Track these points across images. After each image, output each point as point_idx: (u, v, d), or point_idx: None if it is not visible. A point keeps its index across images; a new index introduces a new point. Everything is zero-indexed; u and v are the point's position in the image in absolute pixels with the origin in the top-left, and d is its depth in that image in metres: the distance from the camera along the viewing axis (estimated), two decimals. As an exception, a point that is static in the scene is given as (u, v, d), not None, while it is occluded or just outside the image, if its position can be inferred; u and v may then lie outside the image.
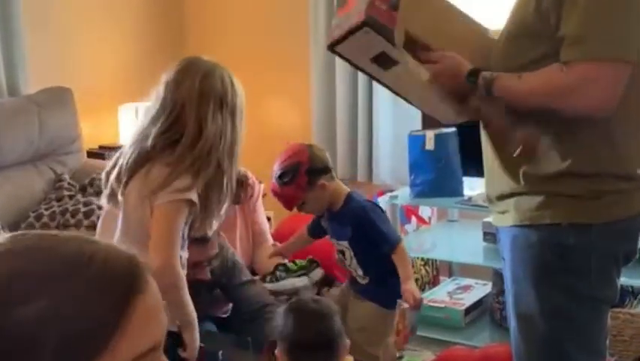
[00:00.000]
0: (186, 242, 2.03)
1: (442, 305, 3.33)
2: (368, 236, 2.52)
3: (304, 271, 2.95)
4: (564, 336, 1.72)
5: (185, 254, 2.04)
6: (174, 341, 1.89)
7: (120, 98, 4.26)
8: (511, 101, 1.66)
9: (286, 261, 2.96)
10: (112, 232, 2.05)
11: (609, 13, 1.54)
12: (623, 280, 1.89)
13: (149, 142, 1.96)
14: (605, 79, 1.55)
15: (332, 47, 1.68)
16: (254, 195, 3.01)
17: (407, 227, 3.53)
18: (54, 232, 0.82)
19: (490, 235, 3.17)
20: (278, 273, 2.89)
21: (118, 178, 2.00)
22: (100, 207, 3.52)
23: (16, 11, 3.70)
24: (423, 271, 3.60)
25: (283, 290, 2.84)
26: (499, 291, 3.23)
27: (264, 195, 3.13)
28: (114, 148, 4.09)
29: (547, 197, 1.68)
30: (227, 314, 2.68)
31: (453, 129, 3.16)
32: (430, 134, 3.22)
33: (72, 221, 3.50)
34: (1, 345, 0.70)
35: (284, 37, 4.32)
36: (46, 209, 3.56)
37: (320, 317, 1.99)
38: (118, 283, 0.75)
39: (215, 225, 2.04)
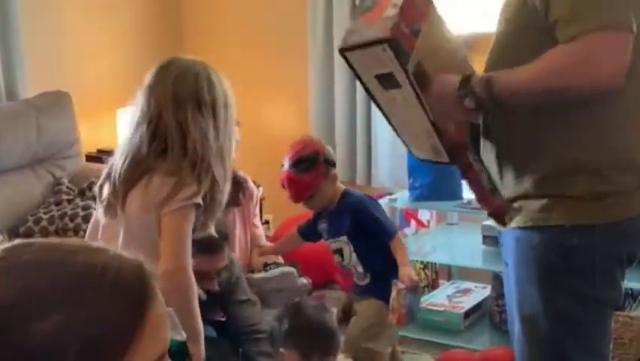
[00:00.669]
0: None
1: (442, 309, 3.32)
2: (366, 227, 2.60)
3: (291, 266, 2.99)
4: (567, 338, 1.72)
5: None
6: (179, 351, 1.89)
7: (118, 101, 4.25)
8: (514, 94, 1.59)
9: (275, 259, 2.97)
10: (105, 242, 2.03)
11: None
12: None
13: (141, 151, 1.93)
14: (610, 46, 1.50)
15: (343, 51, 1.64)
16: (253, 197, 3.00)
17: (406, 230, 3.53)
18: (55, 240, 0.82)
19: (490, 238, 3.17)
20: (268, 268, 2.91)
21: (114, 191, 1.96)
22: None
23: (14, 15, 3.69)
24: (422, 275, 3.60)
25: (272, 276, 2.86)
26: (498, 294, 3.22)
27: (262, 199, 3.13)
28: (112, 152, 4.11)
29: (550, 199, 1.67)
30: (224, 318, 2.67)
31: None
32: (428, 137, 3.22)
33: (71, 225, 3.49)
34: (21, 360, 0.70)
35: (282, 41, 4.32)
36: (45, 213, 3.56)
37: (318, 309, 2.12)
38: (132, 292, 0.76)
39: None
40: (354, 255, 2.64)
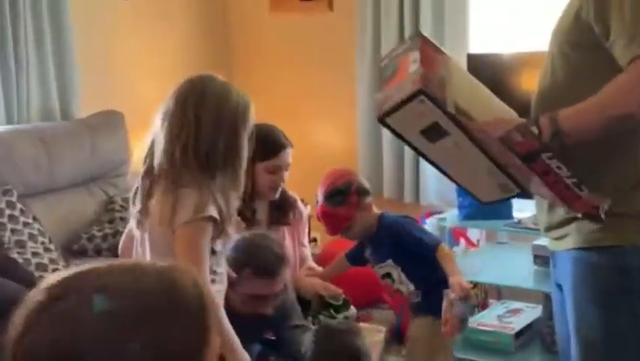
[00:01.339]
0: (221, 255, 2.03)
1: (492, 329, 3.28)
2: (407, 246, 2.60)
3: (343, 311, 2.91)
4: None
5: (220, 268, 2.03)
6: None
7: (170, 121, 4.33)
8: (582, 126, 1.59)
9: (326, 297, 2.90)
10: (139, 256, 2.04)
11: None
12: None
13: (156, 162, 1.98)
14: None
15: (383, 118, 1.64)
16: (302, 217, 3.01)
17: (455, 249, 3.51)
18: (116, 264, 0.90)
19: (541, 258, 3.12)
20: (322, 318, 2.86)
21: (139, 202, 2.01)
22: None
23: (68, 37, 3.79)
24: (471, 294, 3.56)
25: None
26: (549, 315, 3.17)
27: (310, 217, 3.14)
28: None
29: (609, 218, 1.65)
30: (274, 338, 2.67)
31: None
32: (478, 156, 3.20)
33: (123, 243, 3.54)
34: None
35: (330, 58, 4.34)
36: (99, 230, 3.62)
37: (343, 332, 2.13)
38: (200, 308, 0.87)
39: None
40: (403, 276, 2.64)
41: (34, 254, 3.24)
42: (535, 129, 1.59)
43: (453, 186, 3.33)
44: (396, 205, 4.03)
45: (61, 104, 3.82)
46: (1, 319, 0.91)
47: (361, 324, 3.50)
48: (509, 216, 3.19)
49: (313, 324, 2.66)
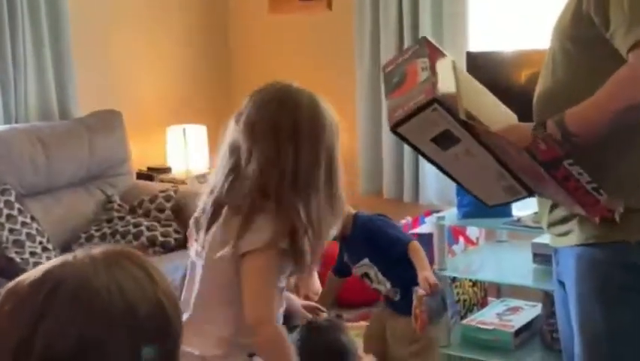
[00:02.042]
0: (282, 293, 1.87)
1: (491, 327, 3.28)
2: (382, 244, 2.63)
3: None
4: (630, 358, 1.69)
5: (281, 309, 1.87)
6: None
7: (168, 120, 4.33)
8: (589, 124, 1.58)
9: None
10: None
11: None
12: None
13: (221, 186, 1.80)
14: None
15: (395, 128, 1.63)
16: None
17: (455, 248, 3.50)
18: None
19: (540, 256, 3.12)
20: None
21: (198, 226, 1.83)
22: (150, 229, 3.58)
23: (66, 36, 3.78)
24: (471, 292, 3.56)
25: None
26: (549, 313, 3.17)
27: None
28: (162, 170, 4.17)
29: (610, 197, 1.64)
30: None
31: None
32: (477, 154, 3.19)
33: (122, 242, 3.53)
34: None
35: (329, 58, 4.34)
36: (97, 230, 3.62)
37: (328, 330, 2.09)
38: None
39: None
40: (380, 275, 2.67)
41: (32, 254, 3.23)
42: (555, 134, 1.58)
43: (452, 185, 3.32)
44: (395, 205, 4.02)
45: (59, 104, 3.82)
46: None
47: (362, 323, 3.51)
48: (509, 214, 3.18)
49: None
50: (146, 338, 0.88)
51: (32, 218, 3.37)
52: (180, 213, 3.69)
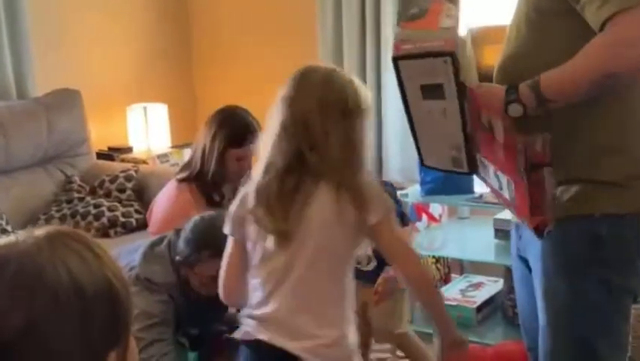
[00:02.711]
0: None
1: (455, 303, 3.31)
2: None
3: None
4: (596, 332, 1.70)
5: None
6: None
7: (128, 98, 4.27)
8: (565, 91, 1.57)
9: None
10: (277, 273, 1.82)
11: None
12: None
13: (292, 163, 1.77)
14: None
15: (397, 59, 1.59)
16: None
17: (418, 225, 3.52)
18: None
19: (502, 232, 3.15)
20: None
21: (272, 213, 1.78)
22: (111, 209, 3.54)
23: (23, 14, 3.70)
24: (434, 269, 3.59)
25: None
26: (510, 288, 3.21)
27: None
28: (124, 149, 4.12)
29: (580, 185, 1.65)
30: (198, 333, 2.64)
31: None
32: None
33: (82, 223, 3.50)
34: None
35: (293, 42, 4.30)
36: (57, 211, 3.57)
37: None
38: None
39: None
40: None
41: (-9, 236, 3.18)
42: (517, 110, 1.56)
43: (415, 163, 3.34)
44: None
45: (16, 83, 3.74)
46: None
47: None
48: (470, 191, 3.21)
49: None
50: (95, 315, 0.87)
51: (-10, 200, 3.31)
52: (142, 193, 3.65)
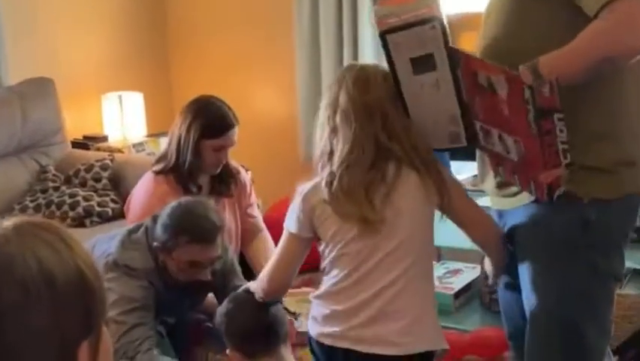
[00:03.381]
0: None
1: (432, 290, 3.32)
2: None
3: None
4: (583, 316, 1.72)
5: None
6: None
7: (103, 87, 4.23)
8: (564, 73, 1.55)
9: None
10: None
11: None
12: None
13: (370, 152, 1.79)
14: None
15: (384, 35, 1.61)
16: (246, 188, 2.97)
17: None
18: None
19: (479, 219, 3.16)
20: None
21: (357, 203, 1.78)
22: (86, 199, 3.51)
23: (-5, 1, 3.65)
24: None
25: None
26: (486, 274, 3.23)
27: (253, 182, 3.11)
28: (99, 138, 4.09)
29: (569, 172, 1.64)
30: (174, 322, 2.62)
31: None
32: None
33: (58, 213, 3.47)
34: None
35: (268, 23, 4.29)
36: (32, 201, 3.53)
37: (254, 305, 2.01)
38: None
39: None
40: None
41: (-36, 226, 3.14)
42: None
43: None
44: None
45: (-12, 71, 3.69)
46: None
47: (304, 288, 3.51)
48: (448, 177, 3.21)
49: None
50: (66, 305, 0.86)
51: (-37, 190, 3.27)
52: (117, 182, 3.63)
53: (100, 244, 2.40)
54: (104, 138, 4.14)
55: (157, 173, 2.76)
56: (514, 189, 1.77)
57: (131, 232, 2.37)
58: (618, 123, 1.67)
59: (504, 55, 1.63)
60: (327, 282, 1.86)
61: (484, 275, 3.26)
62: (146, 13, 4.55)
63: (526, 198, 1.73)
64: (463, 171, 3.06)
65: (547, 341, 1.75)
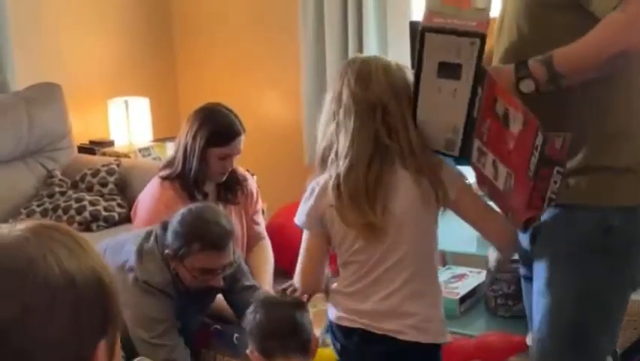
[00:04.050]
0: None
1: (437, 294, 3.32)
2: None
3: None
4: (595, 320, 1.70)
5: None
6: None
7: (109, 92, 4.24)
8: (579, 67, 1.56)
9: None
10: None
11: None
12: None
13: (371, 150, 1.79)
14: None
15: (425, 30, 1.58)
16: (253, 195, 2.98)
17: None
18: None
19: (484, 224, 3.16)
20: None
21: (358, 207, 1.78)
22: (93, 203, 3.52)
23: (3, 7, 3.67)
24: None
25: None
26: (492, 279, 3.23)
27: (258, 187, 3.11)
28: (105, 143, 4.10)
29: (592, 176, 1.65)
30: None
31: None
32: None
33: (64, 218, 3.48)
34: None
35: (274, 32, 4.29)
36: (38, 205, 3.55)
37: (285, 306, 2.02)
38: None
39: None
40: None
41: (-28, 231, 3.15)
42: (529, 86, 1.56)
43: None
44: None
45: (-5, 77, 3.71)
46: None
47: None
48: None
49: None
50: (86, 305, 0.87)
51: (-30, 194, 3.29)
52: (124, 187, 3.64)
53: (111, 250, 2.40)
54: (111, 143, 4.15)
55: (163, 179, 2.77)
56: None
57: (143, 241, 2.37)
58: (637, 122, 1.66)
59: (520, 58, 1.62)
60: (341, 282, 1.91)
61: (489, 280, 3.28)
62: (152, 19, 4.57)
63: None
64: (471, 175, 3.05)
65: (556, 340, 1.74)
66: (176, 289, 2.32)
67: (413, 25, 3.49)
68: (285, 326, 1.98)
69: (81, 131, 4.08)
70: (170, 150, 2.99)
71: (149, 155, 4.11)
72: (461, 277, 3.52)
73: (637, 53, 1.54)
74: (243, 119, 2.82)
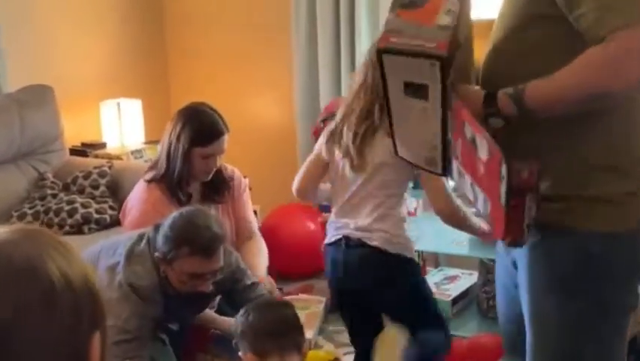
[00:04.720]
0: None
1: (430, 296, 3.32)
2: None
3: None
4: (586, 349, 1.64)
5: None
6: None
7: (101, 94, 4.24)
8: (553, 105, 1.49)
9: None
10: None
11: None
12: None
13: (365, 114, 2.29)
14: None
15: (381, 52, 1.48)
16: (240, 193, 2.97)
17: (393, 219, 3.53)
18: None
19: (476, 225, 3.16)
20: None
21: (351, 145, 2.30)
22: (84, 206, 3.51)
23: (-6, 8, 3.66)
24: (409, 263, 3.60)
25: None
26: (485, 281, 3.24)
27: (250, 189, 3.11)
28: (97, 145, 4.09)
29: (571, 203, 1.59)
30: (177, 328, 2.62)
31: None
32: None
33: (56, 220, 3.47)
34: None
35: (267, 34, 4.30)
36: (30, 208, 3.54)
37: (278, 306, 2.08)
38: None
39: None
40: None
41: (-37, 233, 3.14)
42: (497, 122, 1.50)
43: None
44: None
45: (-13, 79, 3.70)
46: None
47: (302, 295, 3.52)
48: (445, 184, 3.22)
49: None
50: (82, 301, 0.88)
51: (-39, 197, 3.27)
52: (116, 189, 3.63)
53: (105, 251, 2.39)
54: (103, 145, 4.14)
55: (149, 181, 2.77)
56: None
57: (134, 243, 2.36)
58: (621, 153, 1.58)
59: (502, 65, 1.60)
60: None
61: (481, 281, 3.29)
62: (144, 21, 4.57)
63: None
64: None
65: None
66: (166, 293, 2.31)
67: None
68: (280, 325, 1.99)
69: (73, 133, 4.07)
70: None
71: (141, 157, 4.11)
72: (453, 278, 3.53)
73: (619, 92, 1.45)
74: (235, 120, 2.82)
